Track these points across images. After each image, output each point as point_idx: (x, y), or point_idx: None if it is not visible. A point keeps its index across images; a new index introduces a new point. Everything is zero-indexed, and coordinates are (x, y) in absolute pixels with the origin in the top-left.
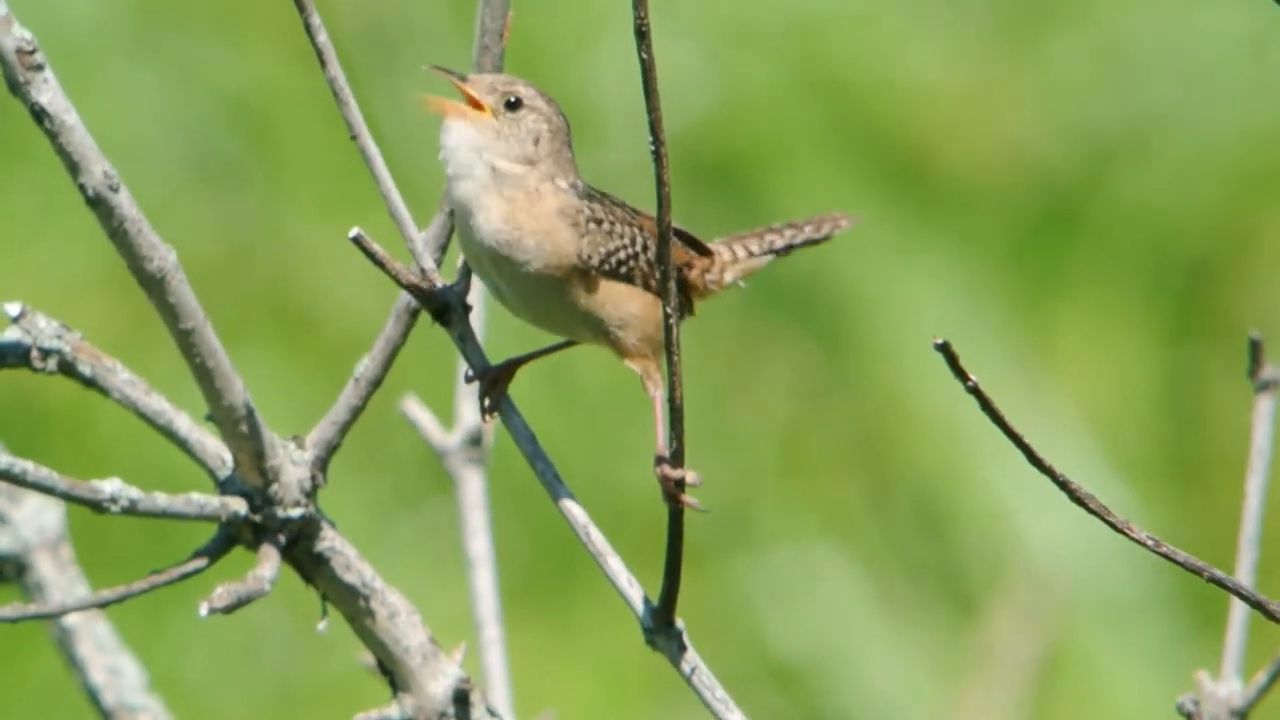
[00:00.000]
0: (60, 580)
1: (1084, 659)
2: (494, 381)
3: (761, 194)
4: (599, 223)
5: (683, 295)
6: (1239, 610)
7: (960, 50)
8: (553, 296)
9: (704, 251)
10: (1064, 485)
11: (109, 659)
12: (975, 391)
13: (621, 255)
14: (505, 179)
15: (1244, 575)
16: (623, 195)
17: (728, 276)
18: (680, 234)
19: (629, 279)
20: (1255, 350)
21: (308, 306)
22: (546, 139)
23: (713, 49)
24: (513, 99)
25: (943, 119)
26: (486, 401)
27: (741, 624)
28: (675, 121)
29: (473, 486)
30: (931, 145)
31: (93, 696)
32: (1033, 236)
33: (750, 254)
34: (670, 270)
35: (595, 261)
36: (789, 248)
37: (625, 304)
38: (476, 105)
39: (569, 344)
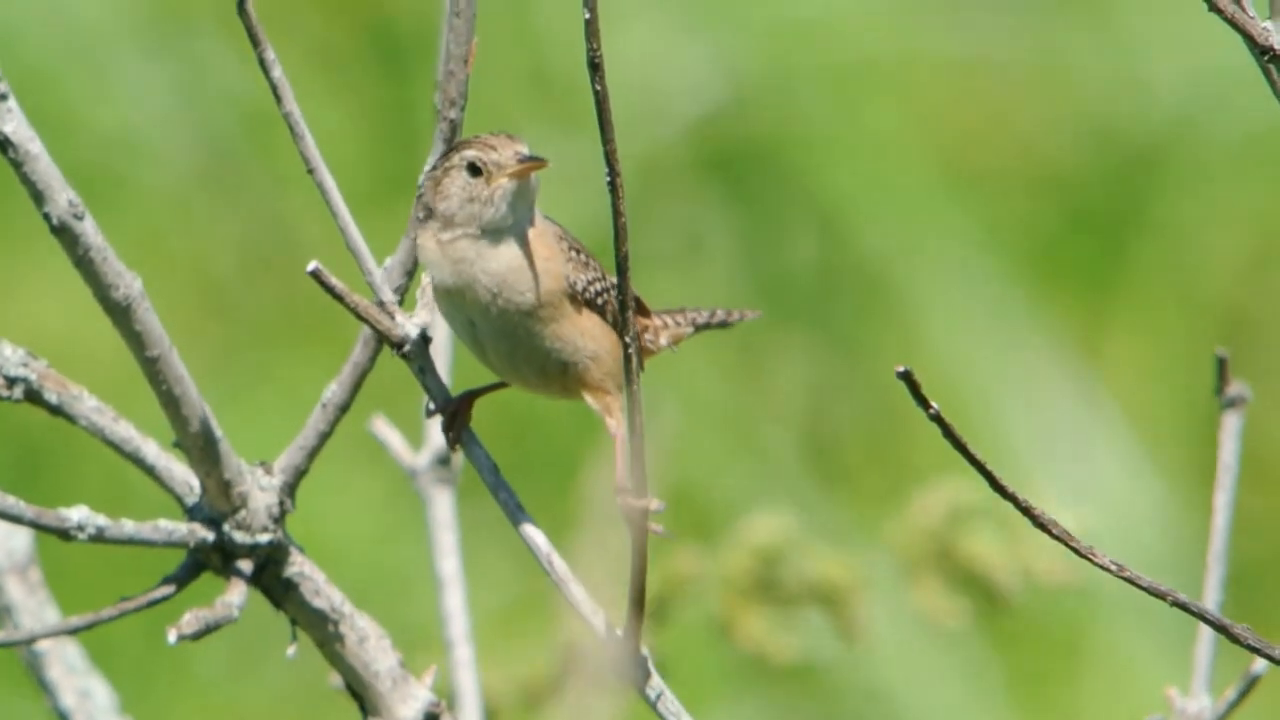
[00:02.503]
0: (29, 603)
1: (1106, 657)
2: (454, 414)
3: (775, 186)
4: (577, 251)
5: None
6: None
7: (987, 42)
8: (536, 325)
9: (644, 313)
10: (1026, 511)
11: (79, 681)
12: (937, 419)
13: (597, 286)
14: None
15: (1212, 590)
16: (628, 189)
17: (662, 340)
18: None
19: (602, 312)
20: (1221, 367)
21: (317, 306)
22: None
23: (726, 39)
24: (523, 155)
25: (968, 111)
26: (449, 434)
27: None
28: (688, 112)
29: (442, 507)
30: (953, 138)
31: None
32: (1077, 233)
33: (677, 324)
34: (630, 300)
35: (580, 287)
36: (706, 325)
37: (600, 337)
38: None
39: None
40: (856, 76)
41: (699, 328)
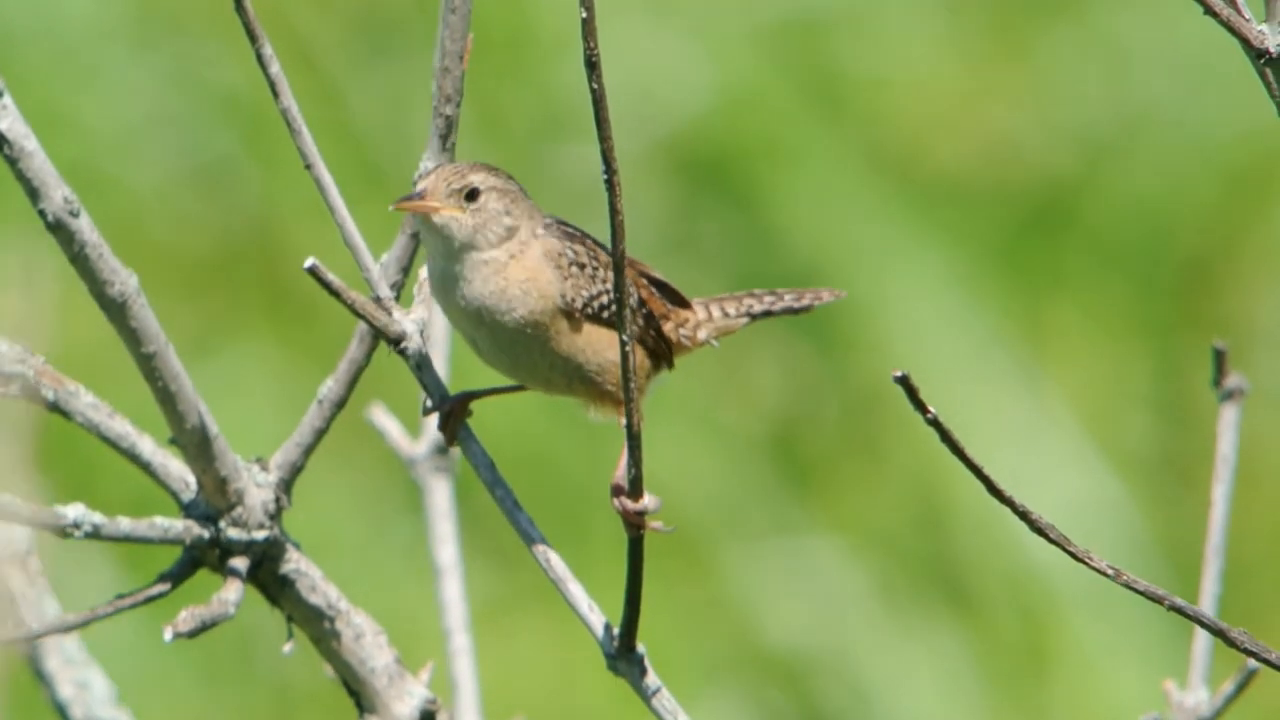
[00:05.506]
0: (29, 593)
1: (1077, 653)
2: (449, 414)
3: (757, 191)
4: (581, 266)
5: (664, 348)
6: None
7: (955, 47)
8: (533, 343)
9: (683, 305)
10: (1024, 516)
11: (77, 673)
12: (935, 424)
13: (604, 300)
14: (495, 254)
15: (1210, 583)
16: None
17: (701, 334)
18: (662, 286)
19: (610, 324)
20: (1219, 359)
21: (302, 301)
22: (513, 206)
23: (710, 46)
24: (469, 190)
25: (937, 115)
26: (446, 433)
27: (736, 618)
28: (672, 119)
29: (440, 495)
30: (926, 142)
31: (61, 711)
32: (1026, 233)
33: (726, 315)
34: (625, 299)
35: (579, 305)
36: (767, 313)
37: (605, 350)
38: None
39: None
40: (835, 79)
41: (757, 317)
